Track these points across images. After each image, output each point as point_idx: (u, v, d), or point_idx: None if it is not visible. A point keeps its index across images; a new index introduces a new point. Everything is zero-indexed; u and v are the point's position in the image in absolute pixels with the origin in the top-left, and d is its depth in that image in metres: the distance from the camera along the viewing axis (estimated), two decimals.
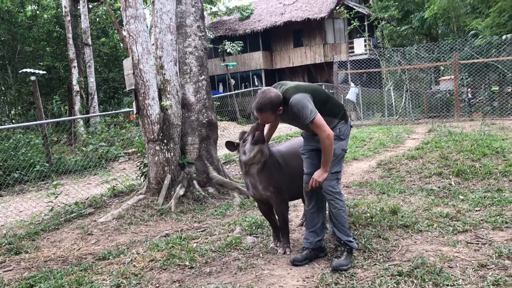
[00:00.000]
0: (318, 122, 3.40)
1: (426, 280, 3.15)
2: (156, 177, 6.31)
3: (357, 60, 20.77)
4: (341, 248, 3.67)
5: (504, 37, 14.27)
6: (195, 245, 4.42)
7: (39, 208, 6.89)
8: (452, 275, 3.20)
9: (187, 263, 3.91)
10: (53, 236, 5.32)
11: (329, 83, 20.66)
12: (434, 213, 4.70)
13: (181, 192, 6.28)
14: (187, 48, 6.71)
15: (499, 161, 6.62)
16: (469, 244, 3.81)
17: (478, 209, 4.78)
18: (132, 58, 6.04)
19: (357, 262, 3.60)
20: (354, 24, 18.68)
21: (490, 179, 5.99)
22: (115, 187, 7.10)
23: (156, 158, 6.31)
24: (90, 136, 13.10)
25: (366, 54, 23.79)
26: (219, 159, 7.08)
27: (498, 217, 4.40)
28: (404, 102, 16.56)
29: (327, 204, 3.80)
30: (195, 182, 6.49)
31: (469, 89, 15.27)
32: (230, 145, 3.95)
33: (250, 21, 27.04)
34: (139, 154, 11.68)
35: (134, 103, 6.29)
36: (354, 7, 24.32)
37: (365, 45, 24.58)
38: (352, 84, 20.04)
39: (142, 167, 7.22)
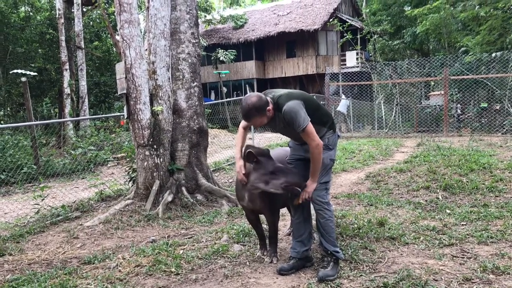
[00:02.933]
0: (309, 130, 3.41)
1: None
2: (145, 183, 6.29)
3: (349, 72, 20.94)
4: (328, 258, 3.68)
5: (493, 54, 14.50)
6: (181, 251, 4.40)
7: (25, 210, 6.80)
8: (437, 287, 3.21)
9: (173, 269, 3.89)
10: (38, 238, 5.26)
11: (320, 94, 20.78)
12: (421, 226, 4.74)
13: (169, 198, 6.25)
14: (180, 55, 6.72)
15: (486, 176, 6.69)
16: (454, 258, 3.84)
17: (464, 223, 4.82)
18: (125, 62, 6.03)
19: (343, 273, 3.61)
20: (347, 36, 18.84)
21: (477, 194, 6.06)
22: (102, 192, 7.06)
23: (146, 163, 6.29)
24: (79, 140, 13.00)
25: (358, 67, 24.00)
26: (208, 166, 7.07)
27: (483, 231, 4.45)
28: (394, 116, 16.69)
29: (314, 214, 3.82)
30: (183, 188, 6.46)
31: (458, 105, 15.45)
32: (250, 156, 3.62)
33: (244, 30, 27.16)
34: (127, 159, 11.71)
35: (125, 107, 6.28)
36: (347, 20, 24.56)
37: (357, 58, 24.79)
38: (343, 96, 20.17)
39: (130, 172, 7.18)
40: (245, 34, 26.61)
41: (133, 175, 7.13)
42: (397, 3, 23.51)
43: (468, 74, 14.43)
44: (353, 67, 24.19)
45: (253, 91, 26.41)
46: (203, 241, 4.73)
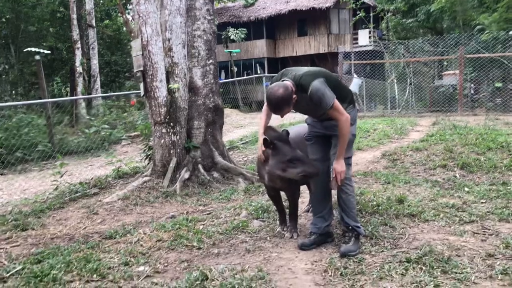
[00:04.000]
0: (337, 106, 3.40)
1: (435, 267, 3.17)
2: (162, 160, 6.32)
3: (361, 51, 20.70)
4: (349, 233, 3.68)
5: (511, 32, 14.21)
6: (201, 227, 4.43)
7: (43, 187, 6.89)
8: (460, 263, 3.22)
9: (194, 243, 3.93)
10: (59, 214, 5.33)
11: (332, 73, 20.57)
12: (440, 203, 4.73)
13: (186, 175, 6.29)
14: (195, 32, 6.67)
15: (504, 155, 6.63)
16: (475, 235, 3.84)
17: (484, 201, 4.80)
18: (141, 39, 6.00)
19: (365, 248, 3.62)
20: (360, 14, 18.56)
21: (495, 173, 6.01)
22: (119, 169, 7.10)
23: (162, 140, 6.31)
24: (93, 118, 13.06)
25: (370, 45, 23.73)
26: (224, 144, 7.07)
27: (504, 209, 4.43)
28: (407, 95, 16.52)
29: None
30: (200, 166, 6.48)
31: (472, 85, 15.24)
32: (266, 143, 3.61)
33: (254, 8, 26.89)
34: (141, 138, 11.76)
35: (141, 85, 6.27)
36: None
37: (369, 37, 24.51)
38: (355, 75, 19.98)
39: (146, 150, 7.21)
40: (256, 12, 26.35)
41: (149, 153, 7.15)
42: None
43: (484, 53, 14.18)
44: (366, 45, 23.93)
45: (264, 70, 26.30)
46: (222, 217, 4.76)
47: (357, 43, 24.98)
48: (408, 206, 4.60)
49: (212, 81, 6.77)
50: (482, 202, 4.76)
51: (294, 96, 3.46)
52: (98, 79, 17.05)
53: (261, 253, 3.67)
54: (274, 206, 4.34)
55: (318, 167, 3.57)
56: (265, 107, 3.80)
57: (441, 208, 4.55)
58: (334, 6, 24.10)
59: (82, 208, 5.47)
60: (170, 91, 6.29)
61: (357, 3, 18.70)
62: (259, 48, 26.60)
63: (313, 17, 25.11)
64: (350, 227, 3.67)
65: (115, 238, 4.33)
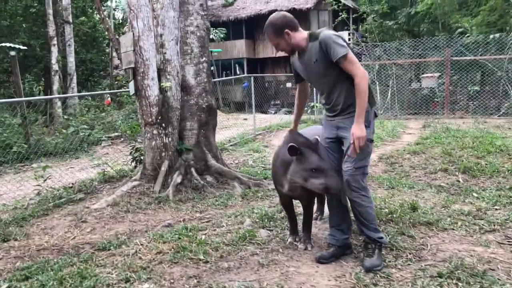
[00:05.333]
0: (351, 58, 3.10)
1: (471, 283, 2.93)
2: (153, 163, 5.94)
3: None
4: (372, 245, 3.37)
5: (491, 36, 14.32)
6: (204, 237, 4.10)
7: (22, 192, 6.41)
8: (498, 278, 2.98)
9: (200, 256, 3.59)
10: (43, 222, 4.89)
11: None
12: (454, 210, 4.51)
13: (179, 179, 5.92)
14: (188, 27, 6.30)
15: (504, 159, 6.51)
16: (502, 245, 3.62)
17: (498, 207, 4.61)
18: (133, 34, 5.62)
19: (389, 261, 3.36)
20: (343, 16, 18.45)
21: (499, 177, 5.85)
22: (106, 172, 6.67)
23: (153, 142, 5.93)
24: (71, 118, 12.48)
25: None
26: (217, 147, 6.74)
27: None
28: (389, 98, 16.44)
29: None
30: (193, 169, 6.13)
31: (450, 87, 15.23)
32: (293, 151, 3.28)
33: (233, 8, 26.51)
34: (122, 139, 11.31)
35: (131, 83, 5.88)
36: None
37: (349, 39, 24.42)
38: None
39: (133, 152, 6.82)
40: (235, 12, 25.97)
41: (135, 155, 6.77)
42: None
43: (466, 56, 14.21)
44: None
45: (243, 71, 25.95)
46: (224, 226, 4.44)
47: None
48: (423, 213, 4.36)
49: (205, 80, 6.42)
50: (496, 209, 4.56)
51: (287, 31, 3.25)
52: (75, 77, 16.40)
53: (277, 268, 3.35)
54: (286, 215, 4.01)
55: (339, 182, 3.24)
56: (296, 94, 3.69)
57: (457, 216, 4.33)
58: (314, 7, 23.94)
59: (68, 216, 5.05)
60: (162, 90, 5.92)
61: (340, 4, 18.57)
62: (238, 48, 26.23)
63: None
64: (372, 239, 3.37)
65: (109, 250, 3.96)
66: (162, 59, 5.95)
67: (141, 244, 4.01)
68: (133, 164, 6.83)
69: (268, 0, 25.75)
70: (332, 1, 19.07)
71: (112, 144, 10.90)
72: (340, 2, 18.81)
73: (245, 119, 14.92)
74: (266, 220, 4.41)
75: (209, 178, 6.20)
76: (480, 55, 14.06)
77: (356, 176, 3.26)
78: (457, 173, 6.16)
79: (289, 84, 24.47)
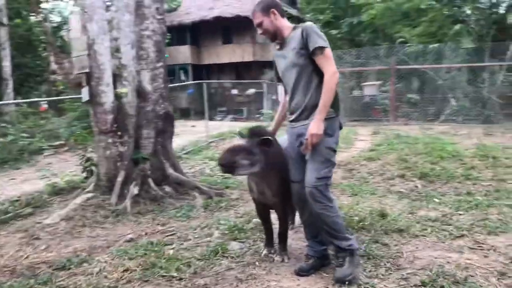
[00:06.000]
0: (328, 54, 3.04)
1: None
2: (108, 174, 5.62)
3: None
4: (342, 253, 3.20)
5: (431, 46, 15.00)
6: (171, 252, 3.88)
7: None
8: (480, 285, 3.00)
9: (173, 273, 3.38)
10: None
11: (257, 81, 20.72)
12: (421, 216, 4.57)
13: (136, 191, 5.63)
14: (144, 31, 6.04)
15: (457, 164, 6.74)
16: (474, 250, 3.67)
17: (461, 212, 4.70)
18: (88, 37, 5.30)
19: (369, 271, 3.30)
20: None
21: (454, 182, 6.03)
22: (55, 184, 6.24)
23: (108, 152, 5.61)
24: (8, 126, 11.67)
25: None
26: (175, 155, 6.50)
27: (486, 221, 4.35)
28: None
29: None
30: (150, 180, 5.85)
31: (368, 94, 15.75)
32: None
33: (177, 14, 26.14)
34: (66, 148, 10.73)
35: (84, 89, 5.54)
36: (284, 8, 24.37)
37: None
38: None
39: (83, 162, 6.44)
40: (179, 18, 25.61)
41: (86, 165, 6.40)
42: None
43: (408, 64, 14.77)
44: None
45: (188, 77, 25.63)
46: (190, 239, 4.24)
47: None
48: (393, 220, 4.37)
49: (162, 85, 6.17)
50: (460, 214, 4.66)
51: (273, 11, 3.21)
52: (11, 82, 15.43)
53: (257, 283, 3.21)
54: (262, 225, 3.86)
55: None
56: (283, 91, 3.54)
57: (425, 222, 4.37)
58: None
59: (18, 232, 4.64)
60: (118, 96, 5.63)
61: (286, 12, 18.74)
62: (183, 54, 25.85)
63: (238, 25, 24.85)
64: (342, 248, 3.20)
65: (69, 269, 3.66)
66: (117, 64, 5.67)
67: (105, 262, 3.75)
68: (84, 174, 6.45)
69: (213, 6, 25.60)
70: None
71: (56, 153, 10.30)
72: (286, 10, 18.99)
73: (193, 126, 14.67)
74: (236, 232, 4.25)
75: (167, 189, 5.94)
76: (420, 65, 14.70)
77: (319, 187, 3.09)
78: (414, 179, 6.30)
79: (235, 91, 24.45)
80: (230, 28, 25.42)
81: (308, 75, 3.12)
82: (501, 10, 16.21)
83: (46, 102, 15.34)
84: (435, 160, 6.87)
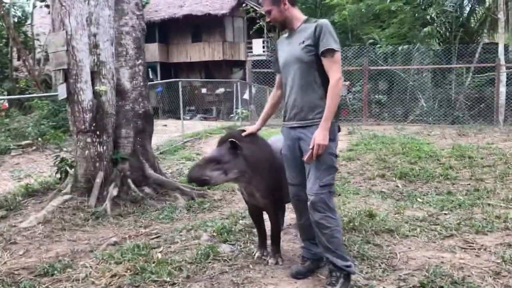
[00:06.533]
0: (338, 58, 2.93)
1: None
2: (86, 174, 5.41)
3: (256, 60, 20.76)
4: (336, 273, 3.00)
5: (400, 47, 15.24)
6: (160, 255, 3.75)
7: None
8: (478, 285, 3.01)
9: (165, 278, 3.25)
10: None
11: (228, 80, 20.57)
12: (408, 216, 4.59)
13: (115, 192, 5.45)
14: (123, 27, 5.87)
15: (435, 164, 6.84)
16: (466, 250, 3.71)
17: (446, 212, 4.77)
18: (66, 32, 5.08)
19: (366, 273, 3.27)
20: (261, 23, 18.61)
21: (434, 182, 6.13)
22: (29, 185, 5.97)
23: (87, 152, 5.41)
24: None
25: (264, 55, 23.94)
26: (154, 155, 6.34)
27: (472, 220, 4.41)
28: None
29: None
30: (129, 181, 5.68)
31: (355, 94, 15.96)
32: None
33: (146, 11, 25.63)
34: (34, 147, 10.34)
35: (61, 86, 5.32)
36: (254, 7, 24.33)
37: (263, 46, 24.73)
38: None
39: (57, 162, 6.19)
40: (148, 15, 25.09)
41: (60, 165, 6.15)
42: None
43: (378, 65, 14.98)
44: (260, 55, 24.08)
45: (156, 76, 25.24)
46: (178, 242, 4.12)
47: (251, 52, 25.04)
48: (382, 220, 4.37)
49: (141, 83, 6.01)
50: (445, 214, 4.71)
51: (285, 2, 3.01)
52: None
53: (254, 286, 3.13)
54: (255, 227, 3.78)
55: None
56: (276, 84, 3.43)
57: (413, 222, 4.40)
58: (229, 14, 23.93)
59: None
60: (96, 94, 5.43)
61: (258, 11, 18.72)
62: (151, 52, 25.36)
63: (208, 24, 24.65)
64: (337, 267, 2.99)
65: (53, 275, 3.48)
66: (96, 61, 5.47)
67: (90, 267, 3.59)
68: (58, 175, 6.20)
69: (182, 4, 25.32)
70: (249, 8, 19.18)
71: (24, 153, 9.90)
72: (257, 10, 18.96)
73: (165, 125, 14.42)
74: (225, 234, 4.15)
75: (147, 190, 5.78)
76: (390, 65, 14.93)
77: (321, 195, 2.95)
78: (394, 178, 6.35)
79: (204, 90, 24.24)
80: (200, 26, 25.16)
81: (310, 73, 3.01)
82: (465, 14, 16.68)
83: (6, 100, 14.84)
84: (413, 160, 6.96)
